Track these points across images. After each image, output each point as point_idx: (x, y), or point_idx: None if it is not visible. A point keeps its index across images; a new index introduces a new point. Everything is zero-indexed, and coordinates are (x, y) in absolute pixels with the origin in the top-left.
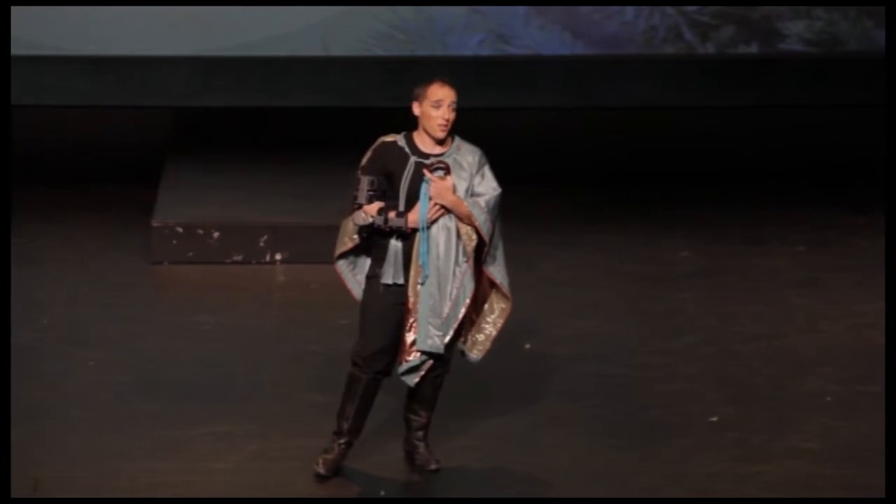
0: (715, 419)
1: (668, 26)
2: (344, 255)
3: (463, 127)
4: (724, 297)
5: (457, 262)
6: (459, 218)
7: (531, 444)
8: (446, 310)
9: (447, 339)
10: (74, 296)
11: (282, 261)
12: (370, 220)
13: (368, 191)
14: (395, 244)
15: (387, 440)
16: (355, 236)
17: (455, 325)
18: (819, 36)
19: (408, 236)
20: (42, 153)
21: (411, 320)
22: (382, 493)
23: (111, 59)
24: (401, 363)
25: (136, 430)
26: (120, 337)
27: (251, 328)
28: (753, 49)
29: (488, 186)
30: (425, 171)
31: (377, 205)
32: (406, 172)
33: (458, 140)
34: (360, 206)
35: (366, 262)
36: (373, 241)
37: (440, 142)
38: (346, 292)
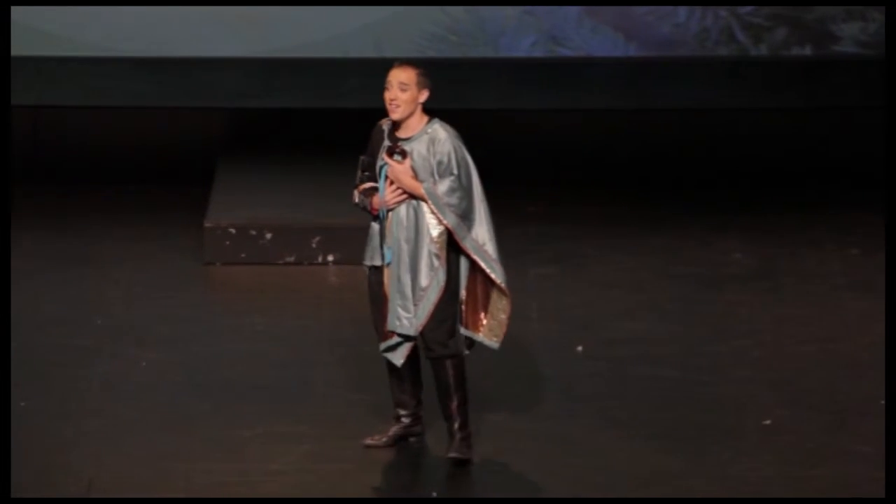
0: (768, 422)
1: (721, 28)
2: None
3: (515, 129)
4: (778, 299)
5: (430, 249)
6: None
7: (583, 446)
8: (420, 292)
9: (419, 322)
10: (128, 296)
11: (334, 262)
12: (357, 199)
13: (361, 170)
14: (374, 226)
15: (438, 441)
16: None
17: (429, 311)
18: (873, 38)
19: (382, 219)
20: (96, 154)
21: (388, 300)
22: (434, 493)
23: (165, 61)
24: (380, 342)
25: (189, 431)
26: (173, 337)
27: (303, 329)
28: (807, 51)
29: (447, 171)
30: (384, 155)
31: (365, 185)
32: (380, 154)
33: (435, 124)
34: (356, 186)
35: None
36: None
37: (411, 125)
38: None
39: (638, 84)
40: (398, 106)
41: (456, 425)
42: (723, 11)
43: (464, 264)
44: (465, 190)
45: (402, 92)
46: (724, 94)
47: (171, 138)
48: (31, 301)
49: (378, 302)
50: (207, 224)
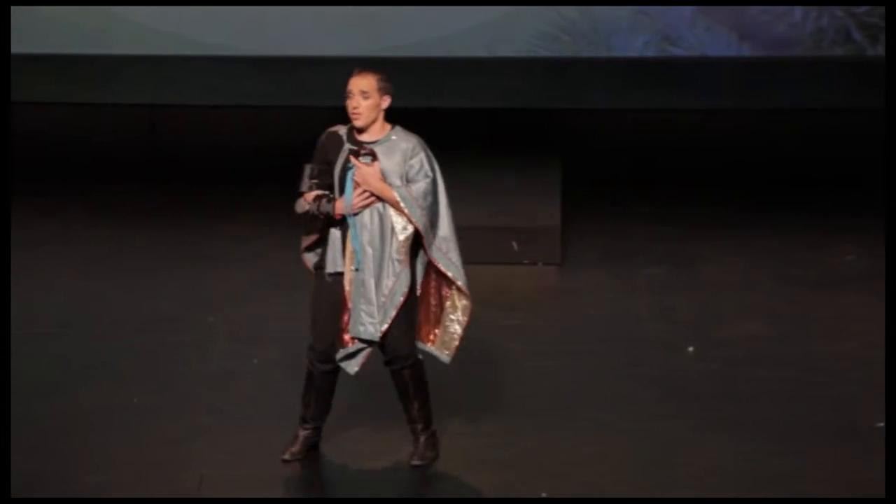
0: (881, 425)
1: (837, 28)
2: (310, 248)
3: (627, 128)
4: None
5: (392, 253)
6: (393, 207)
7: (693, 447)
8: (382, 298)
9: (383, 327)
10: (240, 294)
11: None
12: (307, 207)
13: (309, 178)
14: (335, 232)
15: (549, 440)
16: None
17: (393, 315)
18: None
19: (344, 223)
20: (209, 152)
21: (349, 306)
22: (543, 494)
23: (277, 60)
24: (338, 349)
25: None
26: (284, 336)
27: None
28: None
29: (421, 174)
30: (351, 157)
31: (315, 193)
32: (340, 159)
33: (397, 129)
34: (301, 195)
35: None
36: (323, 232)
37: (374, 130)
38: (507, 293)
39: (751, 84)
40: (360, 114)
41: (420, 427)
42: (839, 11)
43: (419, 274)
44: (434, 196)
45: (364, 100)
46: (839, 94)
47: (283, 137)
48: (146, 298)
49: (336, 309)
50: None
